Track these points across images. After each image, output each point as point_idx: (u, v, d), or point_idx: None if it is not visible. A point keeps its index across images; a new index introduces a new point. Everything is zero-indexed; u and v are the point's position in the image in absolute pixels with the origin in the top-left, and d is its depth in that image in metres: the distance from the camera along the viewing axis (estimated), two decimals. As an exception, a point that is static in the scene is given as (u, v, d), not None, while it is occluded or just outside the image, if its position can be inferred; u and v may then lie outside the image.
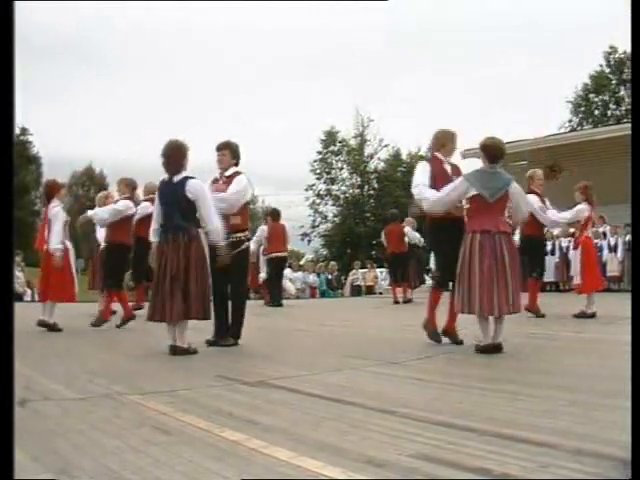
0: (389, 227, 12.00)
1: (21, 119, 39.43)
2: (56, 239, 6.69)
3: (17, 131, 37.99)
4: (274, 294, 11.51)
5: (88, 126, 64.24)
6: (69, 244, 6.96)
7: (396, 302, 11.54)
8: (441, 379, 3.76)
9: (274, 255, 11.23)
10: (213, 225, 4.96)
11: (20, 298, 13.05)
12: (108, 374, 3.98)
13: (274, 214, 11.65)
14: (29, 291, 14.07)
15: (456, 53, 55.89)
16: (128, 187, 7.60)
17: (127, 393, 3.37)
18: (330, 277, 20.17)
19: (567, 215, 7.58)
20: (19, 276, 13.27)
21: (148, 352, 5.06)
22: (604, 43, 35.72)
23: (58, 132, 60.37)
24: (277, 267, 11.45)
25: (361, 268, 20.54)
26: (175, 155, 4.99)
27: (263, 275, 11.75)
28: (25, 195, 33.96)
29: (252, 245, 11.69)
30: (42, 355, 4.92)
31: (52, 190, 7.00)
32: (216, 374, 3.96)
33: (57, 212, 6.78)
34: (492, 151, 4.80)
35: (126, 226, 7.43)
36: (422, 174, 5.23)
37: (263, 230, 11.45)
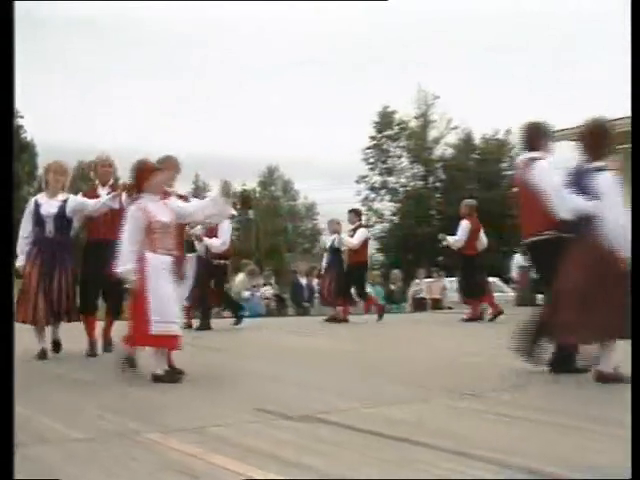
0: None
1: (18, 103, 40.48)
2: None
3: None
4: (205, 312, 9.96)
5: (91, 108, 67.60)
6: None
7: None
8: (530, 415, 3.70)
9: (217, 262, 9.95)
10: None
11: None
12: (122, 408, 4.02)
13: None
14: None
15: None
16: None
17: (145, 431, 3.39)
18: (393, 288, 20.09)
19: None
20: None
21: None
22: None
23: (56, 115, 63.73)
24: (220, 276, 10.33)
25: (426, 277, 20.38)
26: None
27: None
28: (16, 190, 34.75)
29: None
30: (39, 387, 4.93)
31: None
32: (254, 407, 3.97)
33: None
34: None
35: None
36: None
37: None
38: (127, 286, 5.11)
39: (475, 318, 11.33)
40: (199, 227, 9.02)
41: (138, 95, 70.17)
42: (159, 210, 5.12)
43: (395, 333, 10.22)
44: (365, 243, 11.97)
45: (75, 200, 6.45)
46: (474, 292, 11.50)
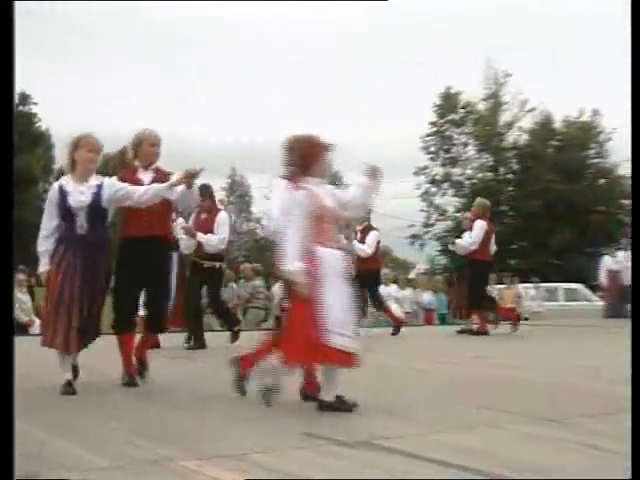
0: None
1: (22, 83, 37.37)
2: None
3: (16, 99, 35.99)
4: (198, 327, 9.35)
5: (114, 93, 70.06)
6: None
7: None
8: (626, 448, 3.60)
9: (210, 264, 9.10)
10: None
11: (25, 329, 12.70)
12: (153, 433, 4.04)
13: (207, 192, 8.94)
14: (38, 321, 12.83)
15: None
16: None
17: (180, 458, 3.40)
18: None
19: None
20: (23, 300, 13.13)
21: (207, 401, 5.14)
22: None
23: (74, 101, 66.03)
24: (215, 282, 9.42)
25: (496, 284, 20.18)
26: None
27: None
28: (31, 187, 33.01)
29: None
30: (60, 411, 4.89)
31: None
32: (302, 431, 3.97)
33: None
34: None
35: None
36: None
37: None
38: (296, 289, 4.53)
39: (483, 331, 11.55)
40: (181, 220, 8.52)
41: (138, 95, 73.93)
42: (325, 196, 4.75)
43: (459, 348, 10.16)
44: (377, 247, 11.36)
45: (114, 185, 5.60)
46: (485, 303, 11.53)
